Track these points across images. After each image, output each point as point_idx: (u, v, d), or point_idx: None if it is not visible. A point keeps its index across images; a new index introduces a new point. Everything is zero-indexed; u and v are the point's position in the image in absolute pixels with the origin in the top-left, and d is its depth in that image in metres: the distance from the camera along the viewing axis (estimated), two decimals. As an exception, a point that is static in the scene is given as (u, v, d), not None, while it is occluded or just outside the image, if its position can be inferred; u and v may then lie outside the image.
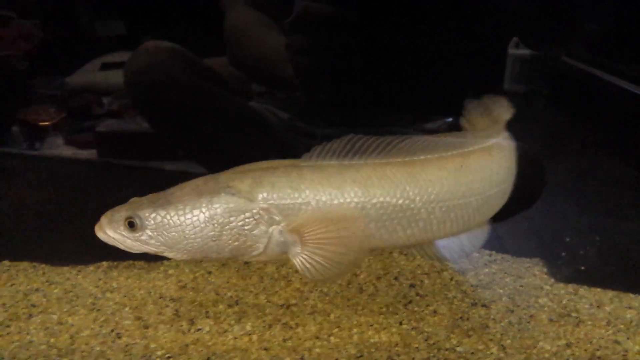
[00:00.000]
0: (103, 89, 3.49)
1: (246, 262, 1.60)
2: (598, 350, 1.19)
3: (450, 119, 2.74)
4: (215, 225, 0.79)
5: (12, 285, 1.50)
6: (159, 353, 1.23)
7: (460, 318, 1.32)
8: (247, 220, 0.79)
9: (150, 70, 1.74)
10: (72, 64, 3.71)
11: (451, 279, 1.48)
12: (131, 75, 1.81)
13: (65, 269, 1.57)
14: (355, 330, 1.29)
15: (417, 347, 1.23)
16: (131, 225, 0.80)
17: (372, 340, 1.26)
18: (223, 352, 1.22)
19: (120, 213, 0.81)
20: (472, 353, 1.20)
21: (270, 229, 0.80)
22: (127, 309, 1.39)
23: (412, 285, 1.46)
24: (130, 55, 1.83)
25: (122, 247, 0.83)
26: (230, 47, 2.08)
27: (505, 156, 0.96)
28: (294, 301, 1.41)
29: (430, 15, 1.65)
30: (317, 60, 1.64)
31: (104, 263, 1.60)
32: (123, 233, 0.81)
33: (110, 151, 2.83)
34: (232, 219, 0.79)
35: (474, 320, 1.31)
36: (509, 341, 1.24)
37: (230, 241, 0.79)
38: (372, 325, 1.30)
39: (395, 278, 1.49)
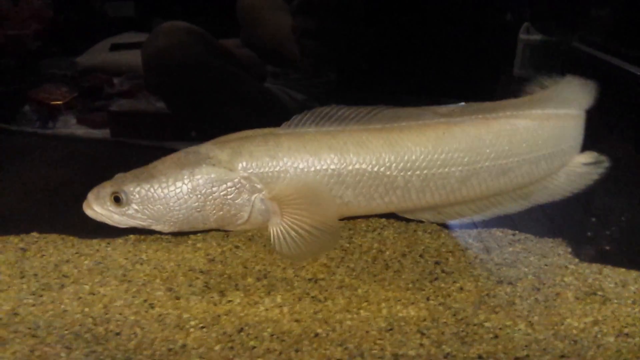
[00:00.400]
0: (113, 69, 3.50)
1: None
2: (625, 327, 1.21)
3: (463, 103, 2.73)
4: (199, 195, 0.81)
5: (42, 256, 1.52)
6: (192, 323, 1.25)
7: (487, 295, 1.34)
8: (229, 189, 0.81)
9: (169, 51, 1.75)
10: (82, 45, 3.71)
11: (476, 257, 1.50)
12: (149, 56, 1.81)
13: (95, 241, 1.58)
14: (383, 304, 1.31)
15: (445, 322, 1.25)
16: (117, 200, 0.83)
17: (400, 315, 1.28)
18: (255, 322, 1.25)
19: (106, 189, 0.83)
20: (500, 329, 1.22)
21: (253, 197, 0.81)
22: (157, 280, 1.41)
23: (437, 263, 1.47)
24: (147, 36, 1.83)
25: (110, 222, 0.85)
26: (243, 27, 2.09)
27: (512, 131, 0.90)
28: (321, 276, 1.43)
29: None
30: (321, 43, 1.65)
31: (132, 236, 1.62)
32: (110, 208, 0.84)
33: (124, 131, 2.85)
34: (214, 189, 0.81)
35: (500, 297, 1.33)
36: (536, 318, 1.26)
37: (214, 211, 0.81)
38: (399, 300, 1.32)
39: (420, 255, 1.51)
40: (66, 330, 1.21)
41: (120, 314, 1.28)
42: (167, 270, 1.46)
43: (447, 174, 0.84)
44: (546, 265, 1.46)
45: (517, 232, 1.61)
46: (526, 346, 1.16)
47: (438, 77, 1.77)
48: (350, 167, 0.81)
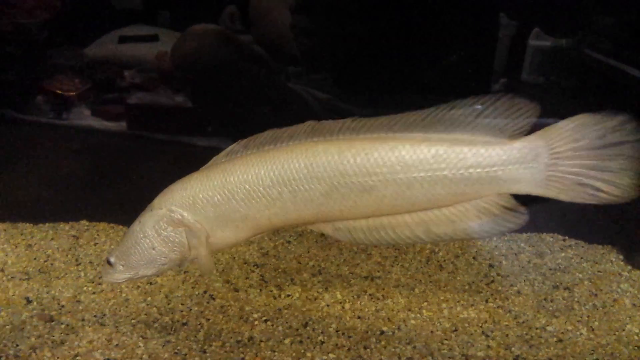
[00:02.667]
0: (121, 61, 3.48)
1: (322, 235, 1.62)
2: (688, 335, 1.22)
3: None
4: (148, 238, 0.97)
5: (95, 244, 1.52)
6: (255, 315, 1.25)
7: (545, 299, 1.35)
8: (162, 224, 0.96)
9: (200, 53, 1.77)
10: (88, 36, 3.70)
11: (529, 262, 1.51)
12: (180, 58, 1.83)
13: (146, 230, 1.58)
14: (444, 305, 1.31)
15: (507, 325, 1.25)
16: (109, 263, 1.00)
17: (461, 316, 1.28)
18: (318, 318, 1.25)
19: (104, 259, 1.01)
20: (563, 333, 1.23)
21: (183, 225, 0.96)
22: (214, 272, 1.41)
23: (491, 266, 1.48)
24: (177, 38, 1.85)
25: (115, 281, 1.02)
26: (254, 25, 2.11)
27: (371, 149, 0.93)
28: (377, 274, 1.43)
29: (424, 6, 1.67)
30: (318, 42, 1.67)
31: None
32: (109, 271, 1.01)
33: (142, 124, 2.83)
34: (156, 227, 0.96)
35: (558, 302, 1.34)
36: (596, 323, 1.26)
37: (164, 246, 0.97)
38: (458, 302, 1.33)
39: (474, 258, 1.51)
40: (133, 319, 1.20)
41: (182, 304, 1.28)
42: (222, 262, 1.46)
43: (310, 187, 0.93)
44: (599, 271, 1.46)
45: (567, 237, 1.62)
46: (593, 350, 1.16)
47: (433, 76, 1.79)
48: (238, 183, 0.94)
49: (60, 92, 3.07)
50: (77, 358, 1.05)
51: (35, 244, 1.51)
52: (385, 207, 0.94)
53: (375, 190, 0.92)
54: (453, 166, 0.90)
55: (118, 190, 2.00)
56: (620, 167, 0.90)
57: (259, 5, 2.11)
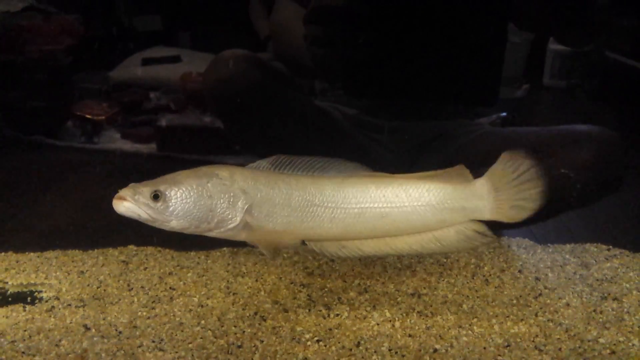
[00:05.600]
0: (146, 83, 3.55)
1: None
2: None
3: (504, 114, 2.75)
4: (213, 199, 1.08)
5: (145, 269, 1.55)
6: (307, 336, 1.27)
7: (594, 311, 1.35)
8: (230, 197, 1.09)
9: (233, 79, 1.81)
10: (112, 59, 3.77)
11: (575, 273, 1.50)
12: (213, 84, 1.87)
13: (192, 253, 1.62)
14: (494, 320, 1.32)
15: (559, 338, 1.25)
16: (155, 198, 1.04)
17: (512, 331, 1.29)
18: (370, 337, 1.26)
19: (145, 188, 1.05)
20: (615, 344, 1.23)
21: (245, 206, 1.10)
22: (262, 293, 1.44)
23: (537, 279, 1.48)
24: (208, 64, 1.89)
25: (135, 216, 1.06)
26: (274, 41, 2.13)
27: (388, 184, 1.18)
28: (423, 290, 1.44)
29: (434, 12, 1.69)
30: (330, 51, 1.70)
31: (225, 249, 1.66)
32: (148, 203, 1.04)
33: (172, 145, 2.89)
34: (222, 195, 1.08)
35: (608, 313, 1.34)
36: (648, 334, 1.26)
37: (220, 211, 1.08)
38: (508, 317, 1.33)
39: (519, 271, 1.52)
40: (190, 343, 1.23)
41: (235, 326, 1.30)
42: (269, 283, 1.48)
43: (345, 209, 1.15)
44: (647, 281, 1.46)
45: (611, 247, 1.61)
46: (648, 363, 1.16)
47: (443, 83, 1.81)
48: (295, 196, 1.14)
49: (89, 116, 3.15)
50: (143, 384, 1.08)
51: (87, 271, 1.55)
52: (393, 229, 1.19)
53: (389, 215, 1.17)
54: (438, 199, 1.17)
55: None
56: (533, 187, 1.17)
57: (278, 21, 2.15)
